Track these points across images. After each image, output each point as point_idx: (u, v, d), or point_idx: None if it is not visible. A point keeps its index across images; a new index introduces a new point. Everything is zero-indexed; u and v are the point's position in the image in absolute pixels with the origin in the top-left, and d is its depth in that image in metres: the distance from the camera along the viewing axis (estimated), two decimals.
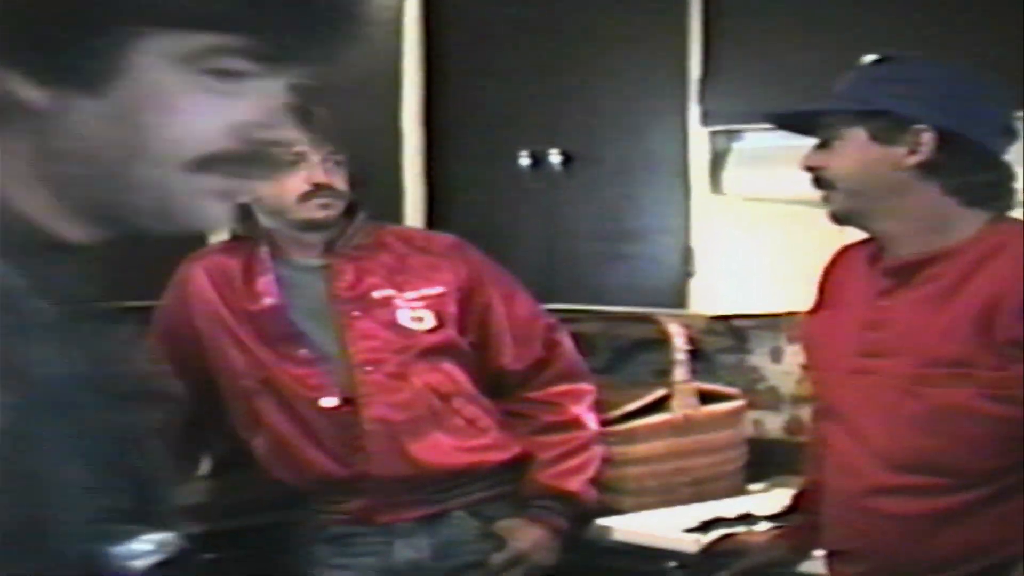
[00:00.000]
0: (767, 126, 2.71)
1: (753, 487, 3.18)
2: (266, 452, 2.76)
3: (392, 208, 3.38)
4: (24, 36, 0.95)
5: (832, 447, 2.20)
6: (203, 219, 1.01)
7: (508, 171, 3.30)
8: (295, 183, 2.69)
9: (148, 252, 1.49)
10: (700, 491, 3.07)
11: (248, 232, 2.76)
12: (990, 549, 2.05)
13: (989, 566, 2.06)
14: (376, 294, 2.73)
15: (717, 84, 2.96)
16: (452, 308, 2.75)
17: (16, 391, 0.87)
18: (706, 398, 3.17)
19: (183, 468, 3.03)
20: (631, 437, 3.03)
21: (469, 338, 2.78)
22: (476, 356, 2.79)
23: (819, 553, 2.32)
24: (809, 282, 2.39)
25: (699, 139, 3.03)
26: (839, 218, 2.19)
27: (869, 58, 2.17)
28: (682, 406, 3.10)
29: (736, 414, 3.22)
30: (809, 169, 2.19)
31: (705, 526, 2.75)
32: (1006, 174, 2.13)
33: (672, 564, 2.71)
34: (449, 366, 2.73)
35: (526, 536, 2.73)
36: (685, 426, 3.10)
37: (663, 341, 3.20)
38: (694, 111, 3.00)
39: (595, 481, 2.82)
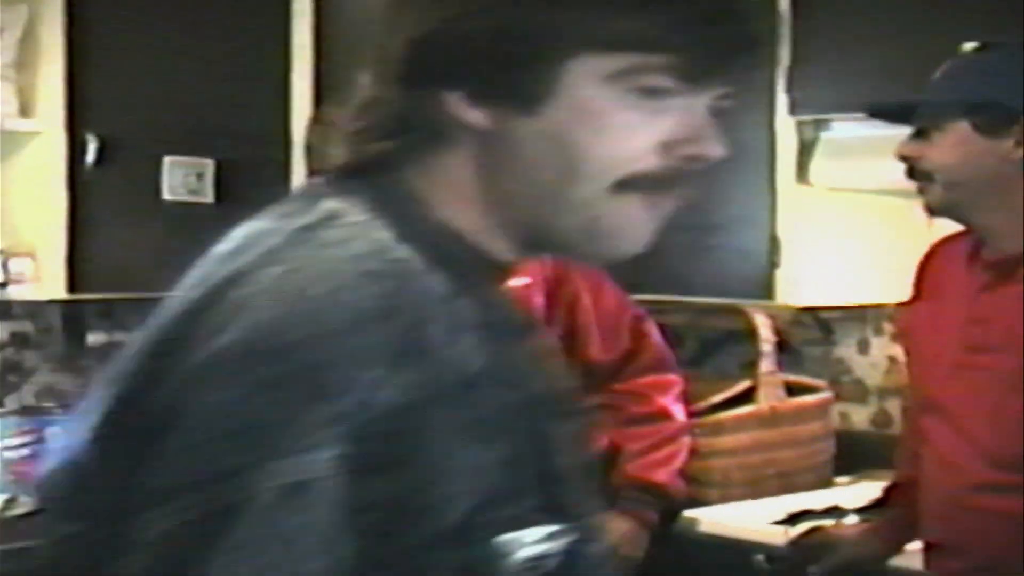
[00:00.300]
0: (856, 115, 2.68)
1: (840, 480, 3.15)
2: None
3: None
4: (466, 60, 0.99)
5: (933, 442, 2.16)
6: (628, 240, 1.03)
7: None
8: None
9: None
10: (787, 483, 3.04)
11: None
12: None
13: None
14: None
15: (806, 72, 2.92)
16: (539, 300, 2.75)
17: (421, 371, 0.91)
18: (792, 390, 3.14)
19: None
20: (717, 429, 3.01)
21: (556, 330, 2.77)
22: (563, 348, 2.78)
23: (914, 547, 2.29)
24: (896, 273, 2.36)
25: (786, 128, 3.00)
26: (936, 210, 2.14)
27: (969, 46, 2.12)
28: (768, 398, 3.08)
29: (823, 406, 3.19)
30: (904, 159, 2.16)
31: (793, 519, 2.72)
32: None
33: (760, 557, 2.69)
34: None
35: (614, 528, 2.72)
36: (771, 418, 3.07)
37: (749, 333, 3.17)
38: (782, 100, 2.97)
39: (683, 473, 2.80)
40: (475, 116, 1.01)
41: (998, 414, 2.06)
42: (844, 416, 3.36)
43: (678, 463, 2.79)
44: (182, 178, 3.26)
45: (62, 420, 3.12)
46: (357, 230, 0.98)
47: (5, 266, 3.11)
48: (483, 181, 1.02)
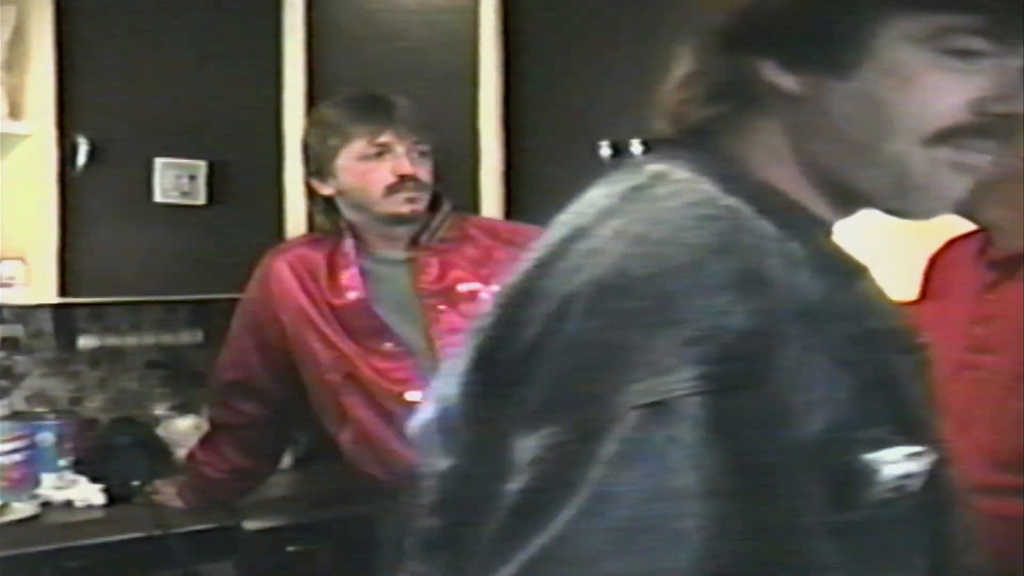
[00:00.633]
0: None
1: None
2: (353, 446, 2.74)
3: (469, 198, 3.35)
4: (782, 29, 1.06)
5: None
6: (937, 197, 1.08)
7: (588, 162, 3.26)
8: (380, 174, 2.67)
9: None
10: None
11: (333, 225, 2.75)
12: None
13: None
14: (462, 287, 2.71)
15: None
16: None
17: (764, 299, 0.98)
18: None
19: (267, 461, 3.03)
20: None
21: None
22: None
23: None
24: (906, 270, 2.35)
25: None
26: None
27: None
28: None
29: None
30: None
31: None
32: None
33: None
34: None
35: None
36: None
37: None
38: None
39: None
40: (788, 82, 1.07)
41: (998, 415, 2.05)
42: None
43: None
44: (174, 180, 3.23)
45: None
46: (685, 185, 1.05)
47: None
48: (795, 143, 1.08)
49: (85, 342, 3.40)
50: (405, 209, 2.69)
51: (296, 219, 3.28)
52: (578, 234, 1.04)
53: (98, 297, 3.25)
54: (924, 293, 2.27)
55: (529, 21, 3.38)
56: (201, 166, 3.25)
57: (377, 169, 2.68)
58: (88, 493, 3.01)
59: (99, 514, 2.97)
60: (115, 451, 3.19)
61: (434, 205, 2.75)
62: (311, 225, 3.05)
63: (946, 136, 1.04)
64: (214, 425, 2.99)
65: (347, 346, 2.70)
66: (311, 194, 2.82)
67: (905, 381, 1.09)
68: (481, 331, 1.08)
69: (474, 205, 3.35)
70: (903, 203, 1.09)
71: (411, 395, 2.67)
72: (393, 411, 2.68)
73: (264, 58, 3.33)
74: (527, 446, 0.97)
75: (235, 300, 2.91)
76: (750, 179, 1.09)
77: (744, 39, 1.08)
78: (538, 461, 0.96)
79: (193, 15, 3.28)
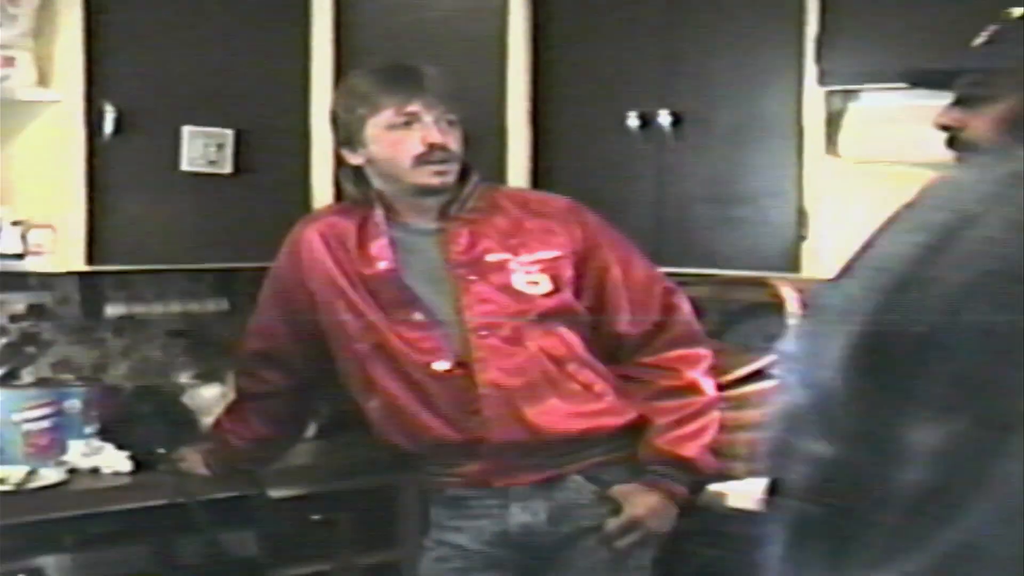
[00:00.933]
0: (886, 85, 2.64)
1: None
2: (380, 416, 2.75)
3: (497, 169, 3.34)
4: None
5: None
6: None
7: (616, 132, 3.26)
8: (409, 144, 2.67)
9: None
10: None
11: (363, 195, 2.74)
12: None
13: None
14: (491, 258, 2.70)
15: (836, 42, 2.89)
16: (568, 272, 2.72)
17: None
18: None
19: (292, 430, 3.04)
20: (743, 402, 2.98)
21: (585, 302, 2.74)
22: (592, 320, 2.76)
23: None
24: None
25: (814, 99, 2.97)
26: None
27: (1018, 11, 2.09)
28: None
29: None
30: (945, 128, 2.12)
31: None
32: None
33: None
34: (564, 331, 2.70)
35: (642, 502, 2.70)
36: None
37: (775, 305, 3.15)
38: (811, 70, 2.94)
39: (712, 447, 2.78)
40: None
41: None
42: None
43: (708, 437, 2.77)
44: (201, 148, 3.22)
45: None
46: None
47: (23, 237, 3.08)
48: None
49: (112, 310, 3.41)
50: (435, 181, 2.69)
51: (322, 188, 3.27)
52: (964, 221, 1.02)
53: (124, 265, 3.26)
54: None
55: None
56: (228, 135, 3.25)
57: (406, 139, 2.67)
58: (115, 460, 3.02)
59: (126, 480, 2.98)
60: (140, 419, 3.20)
61: (463, 176, 2.74)
62: (338, 195, 3.05)
63: None
64: (240, 394, 2.99)
65: (376, 316, 2.70)
66: (340, 163, 2.82)
67: None
68: (860, 315, 1.06)
69: (501, 175, 3.34)
70: None
71: (438, 365, 2.67)
72: (420, 381, 2.68)
73: (292, 27, 3.32)
74: (925, 437, 0.97)
75: (261, 269, 2.92)
76: None
77: None
78: (942, 453, 0.96)
79: None
